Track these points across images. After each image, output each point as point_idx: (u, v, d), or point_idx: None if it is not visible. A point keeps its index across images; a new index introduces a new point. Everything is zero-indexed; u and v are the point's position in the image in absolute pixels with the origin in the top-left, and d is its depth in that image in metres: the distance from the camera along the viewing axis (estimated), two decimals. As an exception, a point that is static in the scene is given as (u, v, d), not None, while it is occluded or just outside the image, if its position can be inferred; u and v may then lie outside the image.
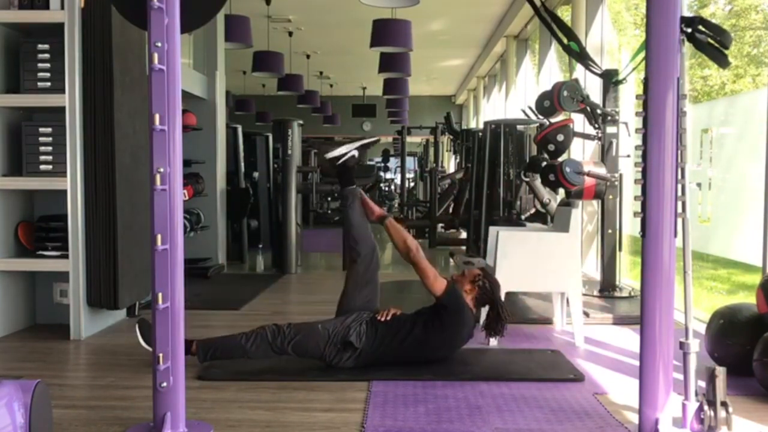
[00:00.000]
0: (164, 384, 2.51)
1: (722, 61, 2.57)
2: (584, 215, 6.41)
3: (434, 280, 3.43)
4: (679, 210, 2.51)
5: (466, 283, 3.58)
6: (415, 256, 3.47)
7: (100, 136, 4.13)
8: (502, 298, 3.68)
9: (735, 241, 4.95)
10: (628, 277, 6.27)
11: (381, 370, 3.36)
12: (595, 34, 6.67)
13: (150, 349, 3.30)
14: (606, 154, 5.26)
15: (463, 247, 8.52)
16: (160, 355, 2.50)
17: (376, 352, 3.40)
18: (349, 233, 3.66)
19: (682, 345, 2.53)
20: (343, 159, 3.73)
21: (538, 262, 4.06)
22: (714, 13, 7.22)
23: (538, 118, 5.58)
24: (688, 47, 2.53)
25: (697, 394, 2.51)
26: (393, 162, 20.19)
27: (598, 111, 5.25)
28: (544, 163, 5.24)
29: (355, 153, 3.76)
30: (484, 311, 3.69)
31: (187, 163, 6.51)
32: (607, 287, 5.38)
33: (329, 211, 10.07)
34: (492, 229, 4.53)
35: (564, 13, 7.30)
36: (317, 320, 3.52)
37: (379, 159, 20.56)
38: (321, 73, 14.98)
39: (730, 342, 3.32)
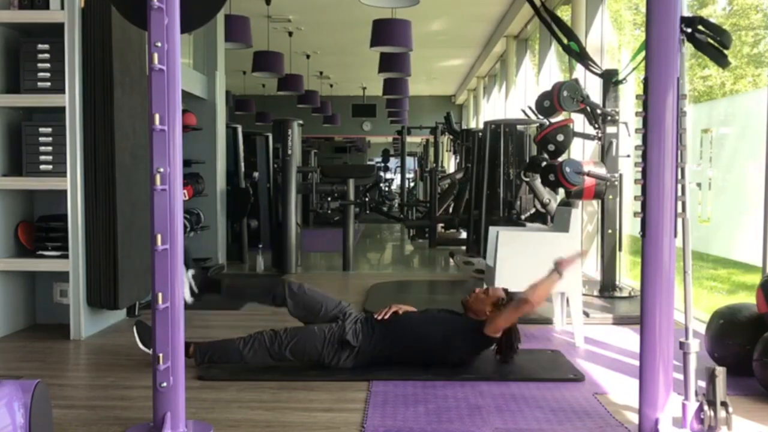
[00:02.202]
0: (164, 384, 2.51)
1: (722, 61, 2.57)
2: (584, 215, 6.41)
3: (505, 326, 3.43)
4: (679, 210, 2.51)
5: (487, 303, 3.53)
6: (527, 308, 3.40)
7: (100, 136, 4.13)
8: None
9: (735, 241, 4.95)
10: (628, 277, 6.27)
11: (381, 370, 3.36)
12: (595, 34, 6.67)
13: (147, 351, 3.31)
14: (606, 154, 5.26)
15: (463, 247, 8.52)
16: (160, 355, 2.50)
17: (376, 350, 3.40)
18: (254, 299, 3.89)
19: (682, 345, 2.53)
20: (194, 285, 3.64)
21: (538, 262, 4.05)
22: (713, 12, 7.22)
23: (538, 118, 5.58)
24: (688, 47, 2.53)
25: (697, 394, 2.52)
26: (393, 162, 20.20)
27: (598, 111, 5.25)
28: (544, 163, 5.24)
29: (191, 272, 3.63)
30: None
31: (187, 163, 6.51)
32: (607, 287, 5.38)
33: (329, 211, 10.05)
34: (492, 229, 4.53)
35: (564, 13, 7.30)
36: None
37: (379, 159, 20.58)
38: (321, 73, 14.99)
39: (730, 342, 3.32)
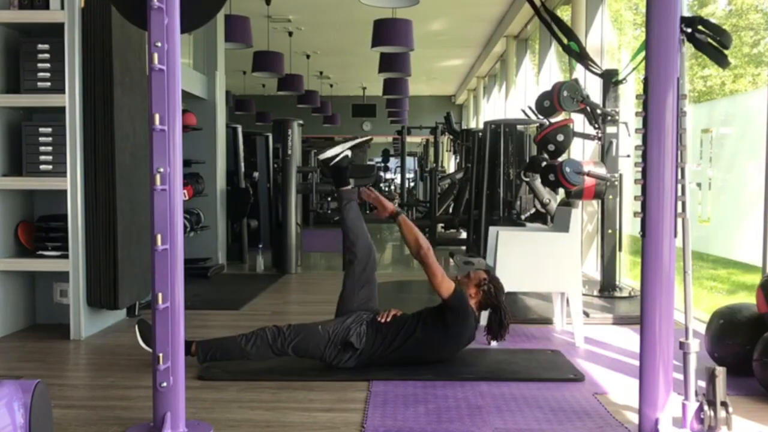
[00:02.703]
0: (164, 384, 2.51)
1: (722, 61, 2.57)
2: (584, 215, 6.41)
3: (442, 280, 3.42)
4: (679, 210, 2.51)
5: (471, 286, 3.57)
6: (425, 255, 3.46)
7: (100, 136, 4.13)
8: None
9: (735, 241, 4.95)
10: (628, 277, 6.27)
11: (381, 370, 3.36)
12: (595, 34, 6.67)
13: (149, 350, 3.31)
14: (606, 154, 5.26)
15: (463, 247, 8.52)
16: (160, 355, 2.50)
17: (377, 352, 3.40)
18: (346, 234, 3.66)
19: (682, 345, 2.53)
20: (336, 159, 3.73)
21: (538, 262, 4.06)
22: (714, 12, 7.22)
23: (538, 118, 5.57)
24: (688, 47, 2.53)
25: (697, 394, 2.52)
26: (393, 162, 20.20)
27: (598, 111, 5.25)
28: (544, 163, 5.23)
29: (348, 153, 3.76)
30: (485, 313, 3.69)
31: (187, 163, 6.51)
32: (607, 287, 5.38)
33: (329, 211, 10.05)
34: (492, 229, 4.53)
35: (564, 13, 7.30)
36: (317, 321, 3.52)
37: (379, 159, 20.58)
38: (321, 73, 14.99)
39: (730, 342, 3.32)
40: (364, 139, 4.00)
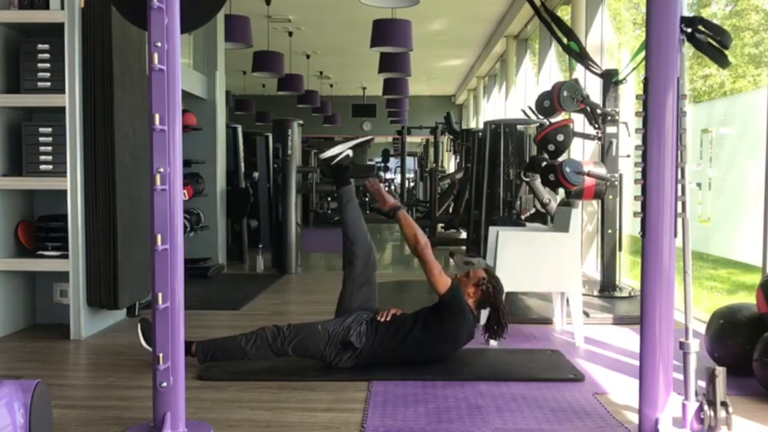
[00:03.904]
0: (164, 384, 2.51)
1: (722, 61, 2.57)
2: (584, 215, 6.41)
3: (439, 276, 3.44)
4: (679, 210, 2.51)
5: (470, 284, 3.57)
6: (423, 250, 3.48)
7: (100, 136, 4.13)
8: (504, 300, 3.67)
9: (735, 241, 4.95)
10: (628, 277, 6.27)
11: (381, 370, 3.36)
12: (595, 34, 6.67)
13: (151, 349, 3.31)
14: (606, 154, 5.26)
15: (463, 247, 8.52)
16: (160, 355, 2.50)
17: (376, 351, 3.40)
18: (345, 234, 3.67)
19: (682, 345, 2.53)
20: (338, 159, 3.74)
21: (538, 262, 4.06)
22: (715, 13, 7.22)
23: (538, 118, 5.57)
24: (688, 47, 2.53)
25: (697, 394, 2.52)
26: (393, 162, 20.20)
27: (598, 111, 5.25)
28: (544, 163, 5.23)
29: (350, 152, 3.76)
30: (485, 312, 3.69)
31: (187, 163, 6.51)
32: (607, 287, 5.38)
33: (329, 211, 10.06)
34: (492, 229, 4.53)
35: (564, 13, 7.30)
36: (317, 321, 3.52)
37: (379, 159, 20.58)
38: (321, 73, 14.98)
39: (730, 342, 3.32)
40: (365, 138, 4.01)
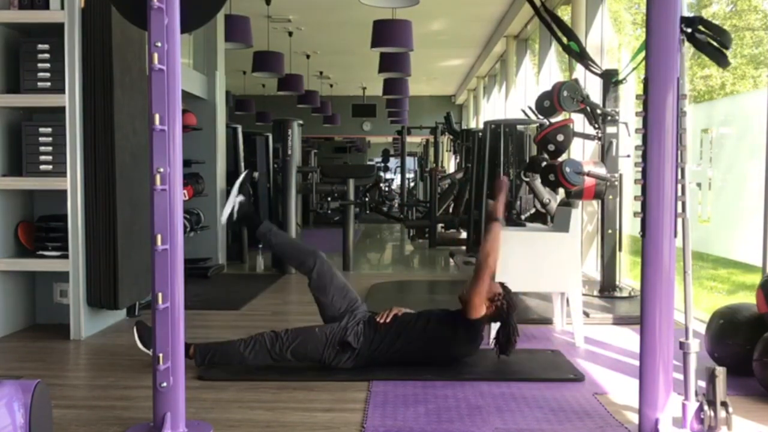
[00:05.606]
0: (164, 384, 2.51)
1: (722, 61, 2.57)
2: (584, 215, 6.41)
3: (481, 300, 3.40)
4: (679, 210, 2.51)
5: (485, 298, 3.51)
6: (486, 271, 3.40)
7: (100, 136, 4.13)
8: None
9: (735, 241, 4.95)
10: (628, 277, 6.27)
11: (381, 370, 3.36)
12: (595, 34, 6.67)
13: (147, 351, 3.31)
14: (606, 154, 5.26)
15: (463, 247, 8.51)
16: (160, 355, 2.50)
17: (376, 351, 3.40)
18: (287, 260, 3.67)
19: (682, 345, 2.53)
20: (235, 210, 3.71)
21: (538, 262, 4.06)
22: (715, 13, 7.22)
23: (538, 118, 5.58)
24: (688, 47, 2.53)
25: (697, 394, 2.52)
26: (393, 162, 20.20)
27: (598, 111, 5.25)
28: (544, 163, 5.24)
29: (241, 197, 3.73)
30: (495, 326, 3.66)
31: (187, 163, 6.51)
32: (607, 287, 5.38)
33: (329, 211, 10.05)
34: (492, 229, 4.52)
35: (564, 13, 7.30)
36: (314, 324, 3.52)
37: (379, 159, 20.57)
38: (321, 73, 14.98)
39: (730, 342, 3.32)
40: (245, 174, 3.97)
